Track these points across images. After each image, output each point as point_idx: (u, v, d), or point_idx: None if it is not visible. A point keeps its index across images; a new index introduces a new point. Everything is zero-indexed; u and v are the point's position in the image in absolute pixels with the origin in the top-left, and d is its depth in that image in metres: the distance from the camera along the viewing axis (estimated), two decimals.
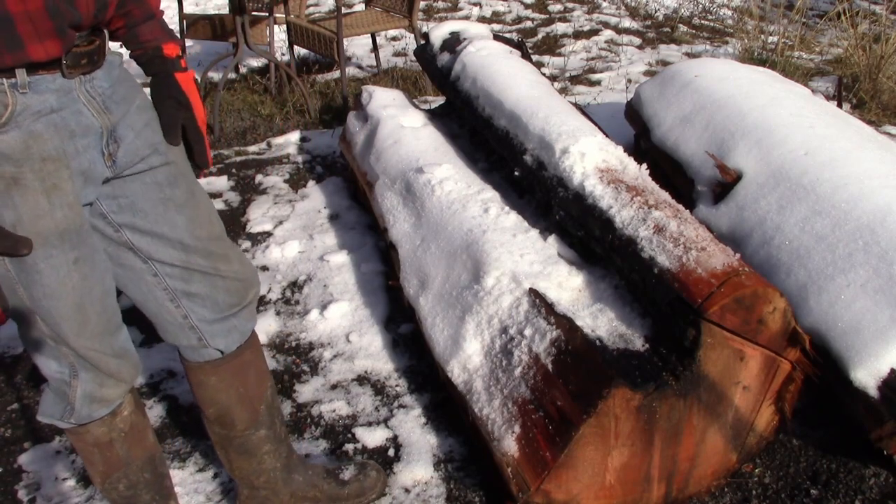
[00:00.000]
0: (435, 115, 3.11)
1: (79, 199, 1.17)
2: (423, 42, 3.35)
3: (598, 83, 4.67)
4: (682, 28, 5.91)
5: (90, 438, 1.38)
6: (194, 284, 1.39)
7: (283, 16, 4.66)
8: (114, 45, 1.28)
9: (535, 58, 5.00)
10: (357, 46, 5.43)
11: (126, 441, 1.41)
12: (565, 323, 1.69)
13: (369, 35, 4.84)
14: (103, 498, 1.82)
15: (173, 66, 1.32)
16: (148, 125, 1.29)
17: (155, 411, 2.11)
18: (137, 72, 1.41)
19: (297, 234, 3.00)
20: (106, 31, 1.21)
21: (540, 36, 5.78)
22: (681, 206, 1.87)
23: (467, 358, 1.84)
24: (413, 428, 2.01)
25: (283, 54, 5.26)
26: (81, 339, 1.24)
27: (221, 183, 3.49)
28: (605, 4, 6.66)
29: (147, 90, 1.35)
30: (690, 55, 5.13)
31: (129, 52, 1.31)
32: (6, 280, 1.18)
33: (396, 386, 2.17)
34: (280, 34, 5.33)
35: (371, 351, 2.31)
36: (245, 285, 1.47)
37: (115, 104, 1.22)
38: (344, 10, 4.24)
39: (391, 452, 1.94)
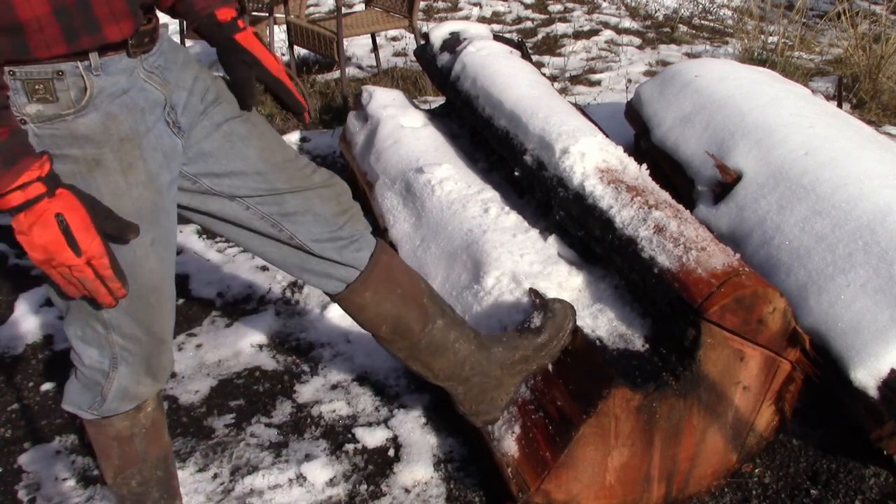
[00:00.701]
0: (435, 115, 3.11)
1: (153, 177, 1.19)
2: (423, 42, 3.35)
3: (598, 83, 4.67)
4: (682, 28, 5.91)
5: (112, 432, 1.38)
6: (287, 204, 1.41)
7: (283, 16, 4.66)
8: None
9: (535, 58, 5.00)
10: (357, 46, 5.43)
11: (146, 437, 1.42)
12: None
13: (369, 35, 4.84)
14: (104, 498, 1.82)
15: (230, 29, 1.33)
16: (197, 79, 1.30)
17: None
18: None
19: None
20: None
21: (540, 36, 5.79)
22: (681, 206, 1.87)
23: None
24: (413, 428, 2.01)
25: (283, 54, 5.25)
26: (155, 320, 1.27)
27: None
28: (605, 4, 6.66)
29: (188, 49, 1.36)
30: (690, 55, 5.13)
31: (190, 26, 1.33)
32: None
33: (396, 386, 2.17)
34: (280, 34, 5.32)
35: (371, 351, 2.31)
36: (336, 190, 1.48)
37: (169, 72, 1.24)
38: (344, 10, 4.24)
39: (391, 452, 1.94)
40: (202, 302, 2.62)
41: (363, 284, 1.53)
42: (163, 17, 1.31)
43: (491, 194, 2.30)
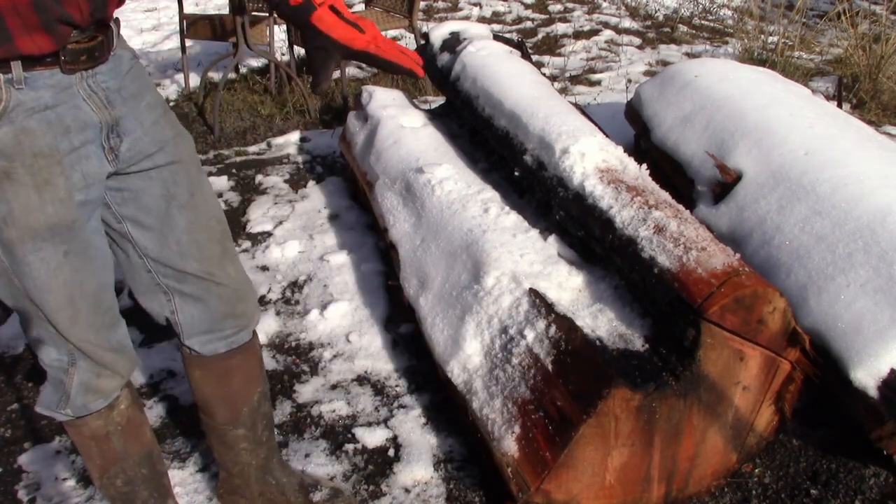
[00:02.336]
0: (435, 115, 3.11)
1: (72, 195, 1.17)
2: (423, 42, 3.35)
3: (598, 83, 4.67)
4: (682, 28, 5.91)
5: (87, 431, 1.39)
6: (188, 286, 1.40)
7: None
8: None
9: (535, 58, 5.00)
10: None
11: (123, 435, 1.42)
12: (565, 323, 1.69)
13: None
14: (103, 498, 1.82)
15: (305, 11, 1.26)
16: (157, 123, 1.29)
17: (155, 411, 2.11)
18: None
19: (297, 234, 3.00)
20: (114, 27, 1.20)
21: (540, 36, 5.78)
22: (681, 206, 1.87)
23: (467, 358, 1.84)
24: (413, 428, 2.01)
25: (283, 54, 5.25)
26: (74, 331, 1.25)
27: (221, 183, 3.49)
28: (605, 4, 6.66)
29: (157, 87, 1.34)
30: (690, 55, 5.13)
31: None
32: (3, 272, 1.19)
33: (396, 386, 2.17)
34: (280, 34, 5.33)
35: (371, 351, 2.31)
36: (237, 295, 1.47)
37: (122, 99, 1.22)
38: None
39: (391, 452, 1.94)
40: None
41: (198, 364, 1.54)
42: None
43: (491, 194, 2.29)
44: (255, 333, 1.59)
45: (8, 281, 1.20)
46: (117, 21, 1.23)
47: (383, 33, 1.37)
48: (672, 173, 2.55)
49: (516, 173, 2.32)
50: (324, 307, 2.50)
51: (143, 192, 1.30)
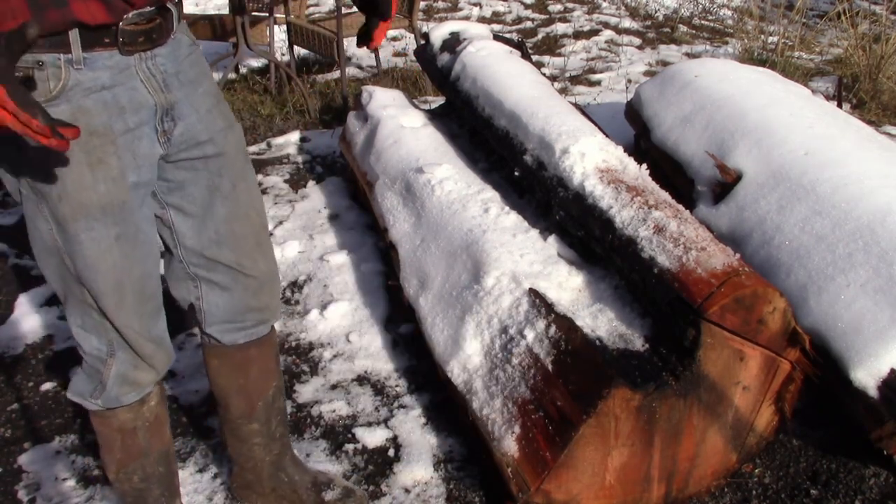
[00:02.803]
0: (435, 115, 3.11)
1: (125, 175, 1.19)
2: (423, 42, 3.35)
3: (598, 83, 4.67)
4: (682, 28, 5.91)
5: (115, 423, 1.40)
6: (217, 275, 1.43)
7: (283, 16, 4.66)
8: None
9: (535, 58, 4.99)
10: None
11: (149, 431, 1.44)
12: (565, 323, 1.69)
13: None
14: (104, 498, 1.82)
15: None
16: (210, 112, 1.30)
17: None
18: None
19: (297, 234, 3.00)
20: (174, 10, 1.21)
21: (540, 36, 5.78)
22: (681, 206, 1.87)
23: (467, 358, 1.84)
24: (413, 428, 2.01)
25: (283, 54, 5.25)
26: (119, 316, 1.27)
27: None
28: (605, 4, 6.66)
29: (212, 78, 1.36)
30: (690, 55, 5.13)
31: None
32: (56, 251, 1.21)
33: (396, 386, 2.17)
34: (280, 34, 5.32)
35: (371, 351, 2.31)
36: (263, 288, 1.49)
37: (179, 84, 1.23)
38: (344, 10, 4.24)
39: (391, 452, 1.94)
40: None
41: (216, 353, 1.56)
42: None
43: (491, 194, 2.29)
44: (273, 328, 1.60)
45: (60, 261, 1.21)
46: (179, 5, 1.25)
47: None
48: (672, 173, 2.55)
49: (516, 173, 2.32)
50: (324, 307, 2.50)
51: (190, 182, 1.33)
